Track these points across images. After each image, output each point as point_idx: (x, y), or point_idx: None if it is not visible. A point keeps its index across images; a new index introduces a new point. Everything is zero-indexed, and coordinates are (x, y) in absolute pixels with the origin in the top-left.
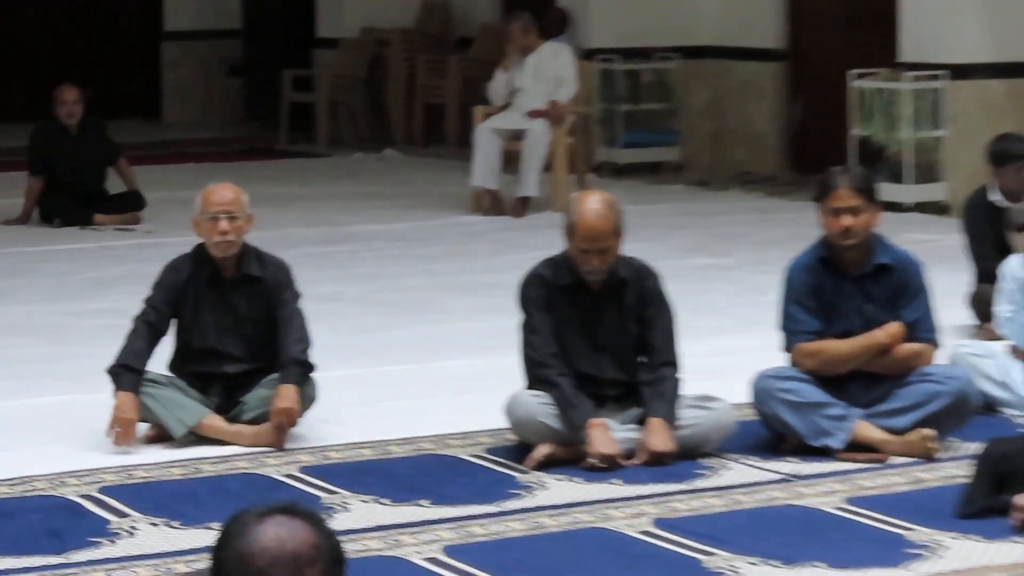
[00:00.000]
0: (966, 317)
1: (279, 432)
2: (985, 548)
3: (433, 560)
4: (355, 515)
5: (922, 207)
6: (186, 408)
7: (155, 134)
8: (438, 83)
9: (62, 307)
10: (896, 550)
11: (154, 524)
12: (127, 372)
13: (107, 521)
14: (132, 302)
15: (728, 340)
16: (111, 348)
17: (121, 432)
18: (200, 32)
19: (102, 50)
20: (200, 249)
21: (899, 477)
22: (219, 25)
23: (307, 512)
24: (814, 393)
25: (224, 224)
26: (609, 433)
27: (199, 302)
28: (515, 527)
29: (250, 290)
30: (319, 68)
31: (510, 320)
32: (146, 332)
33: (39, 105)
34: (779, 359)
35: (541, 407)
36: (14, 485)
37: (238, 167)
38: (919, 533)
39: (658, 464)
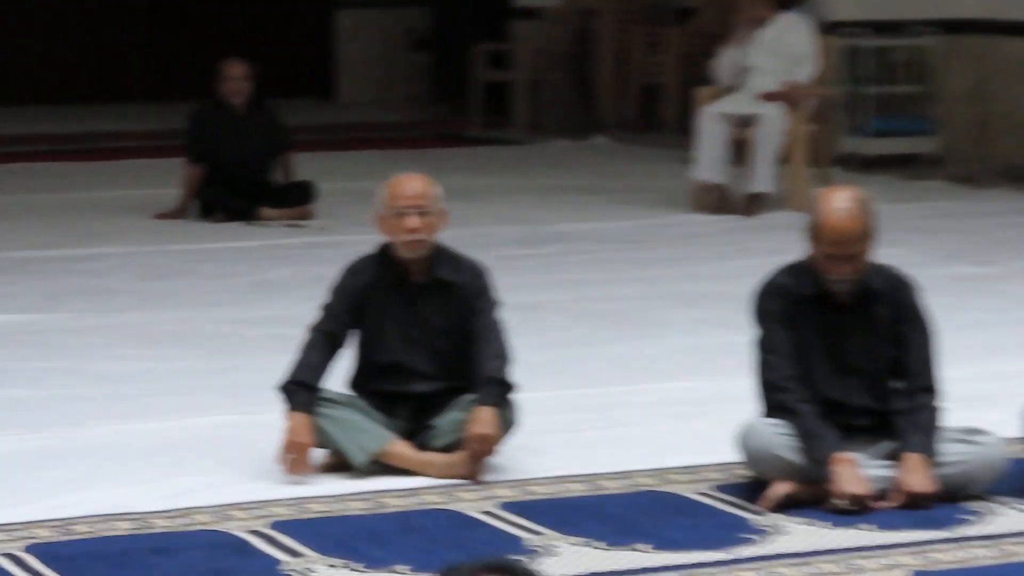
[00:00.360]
0: None
1: (475, 462)
2: None
3: None
4: (564, 560)
5: None
6: (368, 432)
7: (328, 116)
8: (655, 60)
9: (224, 314)
10: None
11: (332, 566)
12: (301, 390)
13: (278, 561)
14: (305, 309)
15: (997, 363)
16: (281, 361)
17: (295, 459)
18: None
19: (269, 19)
20: (385, 249)
21: None
22: None
23: (522, 570)
24: None
25: (413, 221)
26: (858, 470)
27: (384, 310)
28: None
29: (442, 297)
30: (517, 42)
31: (741, 336)
32: (322, 344)
33: (200, 82)
34: None
35: (779, 438)
36: (174, 518)
37: (423, 155)
38: None
39: (915, 507)
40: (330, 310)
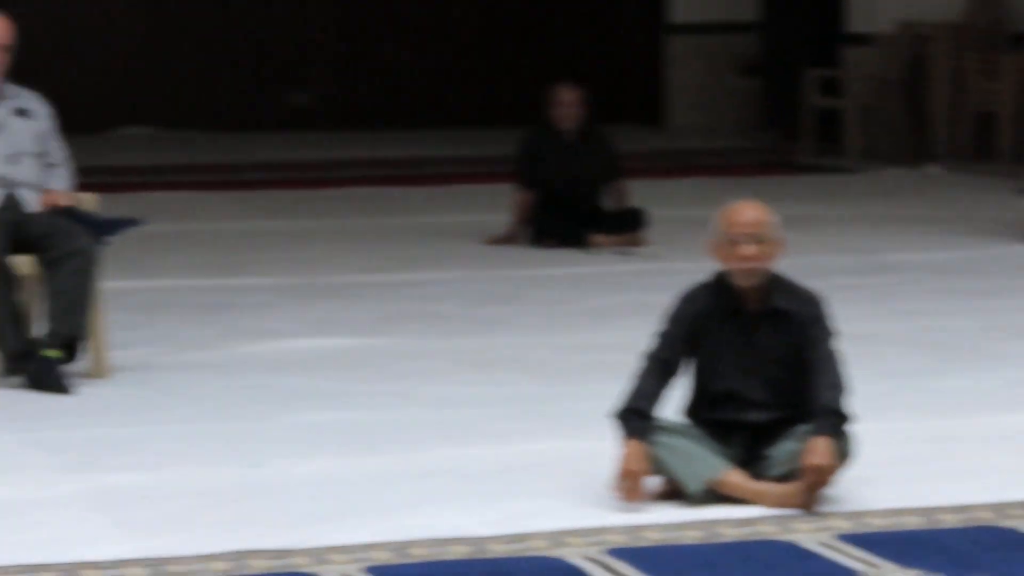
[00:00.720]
0: None
1: (810, 492)
2: None
3: None
4: None
5: None
6: (703, 461)
7: (657, 142)
8: (990, 87)
9: (555, 340)
10: None
11: None
12: (636, 417)
13: None
14: (635, 336)
15: None
16: (612, 388)
17: (629, 486)
18: (710, 25)
19: (598, 45)
20: (720, 277)
21: None
22: (732, 17)
23: None
24: None
25: (749, 249)
26: None
27: (719, 339)
28: None
29: (778, 326)
30: (848, 68)
31: None
32: (657, 371)
33: (529, 108)
34: None
35: None
36: (509, 543)
37: (754, 182)
38: None
39: None
40: (665, 338)
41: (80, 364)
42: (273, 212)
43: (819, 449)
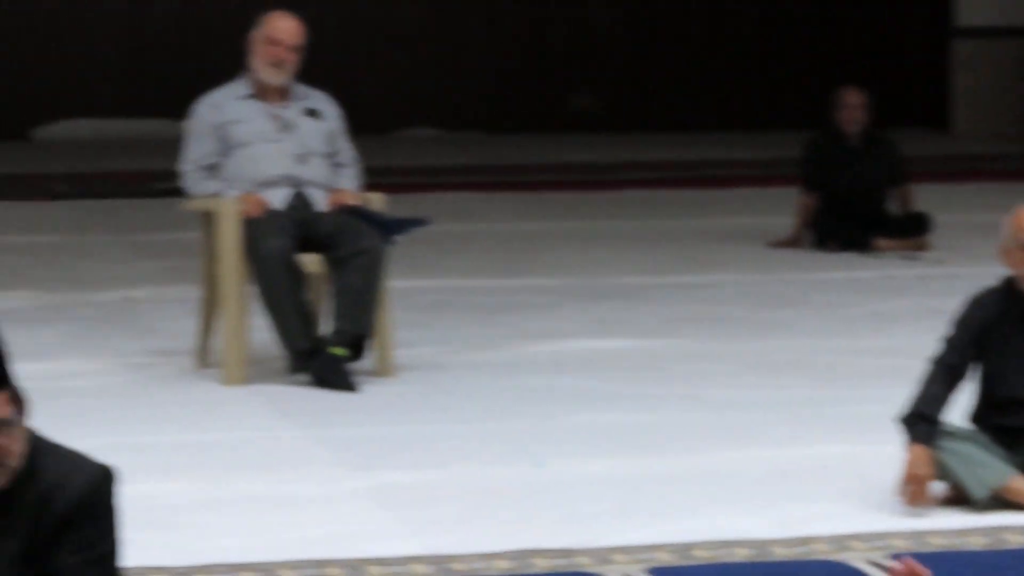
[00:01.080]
0: None
1: None
2: None
3: None
4: None
5: None
6: (989, 467)
7: (942, 147)
8: None
9: (838, 343)
10: None
11: None
12: (922, 422)
13: None
14: (919, 341)
15: None
16: (895, 392)
17: (914, 491)
18: (998, 29)
19: (882, 48)
20: (1010, 283)
21: None
22: (1020, 21)
23: None
24: None
25: None
26: None
27: (1007, 344)
28: None
29: None
30: None
31: None
32: (944, 376)
33: (811, 111)
34: None
35: None
36: (792, 546)
37: None
38: None
39: None
40: (952, 342)
41: (366, 362)
42: (557, 214)
43: None
